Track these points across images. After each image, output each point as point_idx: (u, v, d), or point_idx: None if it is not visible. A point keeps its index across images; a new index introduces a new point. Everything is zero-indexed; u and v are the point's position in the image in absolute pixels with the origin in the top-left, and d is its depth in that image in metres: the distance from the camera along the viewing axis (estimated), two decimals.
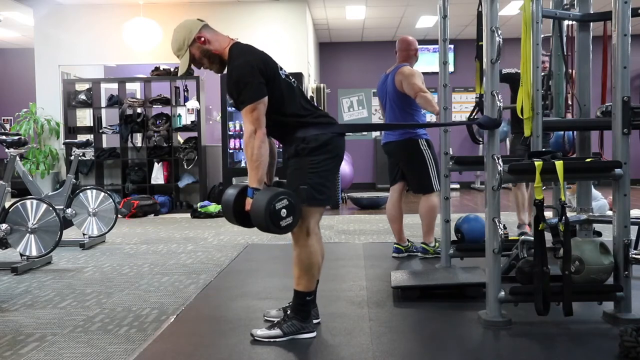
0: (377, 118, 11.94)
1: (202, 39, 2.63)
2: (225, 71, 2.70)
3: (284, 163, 2.79)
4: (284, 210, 2.47)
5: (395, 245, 4.61)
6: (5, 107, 11.15)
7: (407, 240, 4.66)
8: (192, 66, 2.72)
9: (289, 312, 2.75)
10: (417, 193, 4.54)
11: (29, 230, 4.37)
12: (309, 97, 3.20)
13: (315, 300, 2.79)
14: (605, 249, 2.82)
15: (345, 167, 9.06)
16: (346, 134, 2.81)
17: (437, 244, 4.47)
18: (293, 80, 2.75)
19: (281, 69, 2.70)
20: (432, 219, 4.46)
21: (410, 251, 4.61)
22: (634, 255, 2.88)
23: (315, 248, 2.67)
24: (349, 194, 8.83)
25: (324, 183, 2.65)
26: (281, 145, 2.80)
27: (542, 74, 3.55)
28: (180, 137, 8.53)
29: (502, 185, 2.81)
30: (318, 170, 2.63)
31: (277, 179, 2.92)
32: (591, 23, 3.64)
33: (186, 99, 8.16)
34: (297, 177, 2.64)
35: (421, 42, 11.67)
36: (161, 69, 8.14)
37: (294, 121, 2.65)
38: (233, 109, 7.79)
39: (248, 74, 2.52)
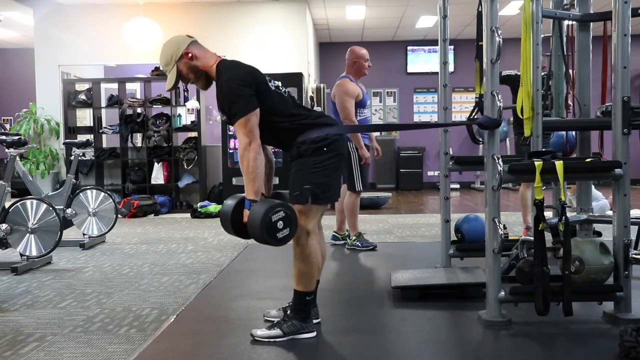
0: (377, 118, 11.94)
1: (190, 54, 2.68)
2: (211, 87, 2.75)
3: (283, 163, 2.79)
4: (280, 222, 2.48)
5: (335, 233, 5.23)
6: (5, 107, 11.14)
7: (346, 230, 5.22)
8: (180, 82, 2.79)
9: (289, 312, 2.75)
10: (350, 190, 5.03)
11: (29, 230, 4.37)
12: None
13: (315, 300, 2.79)
14: (605, 249, 2.82)
15: None
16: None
17: (347, 232, 5.18)
18: (284, 90, 2.76)
19: (270, 80, 2.71)
20: (352, 213, 5.05)
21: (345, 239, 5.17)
22: (634, 255, 2.88)
23: (316, 248, 2.68)
24: None
25: (327, 182, 2.66)
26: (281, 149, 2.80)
27: (542, 73, 3.55)
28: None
29: (502, 185, 2.81)
30: (321, 170, 2.63)
31: (276, 179, 2.91)
32: (591, 23, 3.64)
33: (186, 99, 8.16)
34: (300, 178, 2.65)
35: (421, 42, 11.81)
36: (161, 69, 8.12)
37: (291, 124, 2.66)
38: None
39: (238, 87, 2.55)
